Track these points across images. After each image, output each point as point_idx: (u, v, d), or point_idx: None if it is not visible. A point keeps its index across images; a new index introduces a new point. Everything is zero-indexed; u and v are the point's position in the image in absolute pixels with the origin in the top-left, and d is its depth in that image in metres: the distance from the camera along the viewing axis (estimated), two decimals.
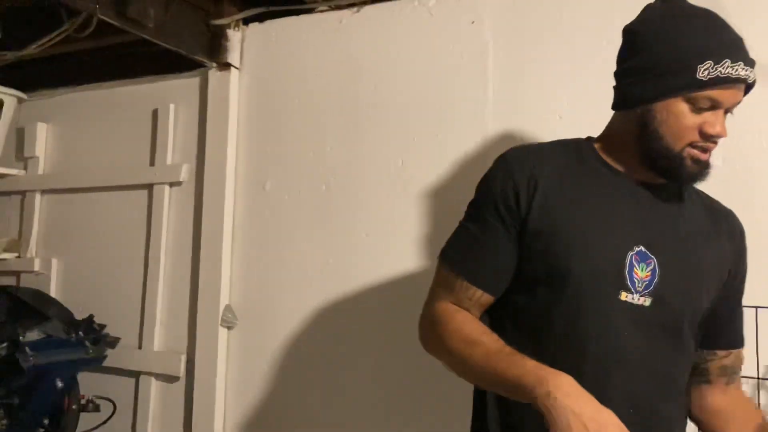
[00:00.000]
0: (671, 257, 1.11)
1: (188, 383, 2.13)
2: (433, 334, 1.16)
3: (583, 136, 1.24)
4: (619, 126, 1.17)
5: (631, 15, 1.18)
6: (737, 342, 1.25)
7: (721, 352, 1.24)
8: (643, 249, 1.10)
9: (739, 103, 1.08)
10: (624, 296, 1.08)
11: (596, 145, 1.20)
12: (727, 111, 1.08)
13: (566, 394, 0.93)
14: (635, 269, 1.08)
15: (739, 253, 1.23)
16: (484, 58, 1.83)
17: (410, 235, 1.84)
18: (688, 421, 1.24)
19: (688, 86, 1.04)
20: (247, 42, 2.18)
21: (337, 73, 2.02)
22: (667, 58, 1.06)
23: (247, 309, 2.08)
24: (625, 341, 1.08)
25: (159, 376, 2.20)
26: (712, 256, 1.17)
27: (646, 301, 1.09)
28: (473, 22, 1.85)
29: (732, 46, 1.05)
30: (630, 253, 1.09)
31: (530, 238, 1.12)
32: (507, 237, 1.13)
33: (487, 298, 1.16)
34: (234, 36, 2.16)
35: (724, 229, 1.21)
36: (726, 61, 1.02)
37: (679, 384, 1.16)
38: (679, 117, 1.06)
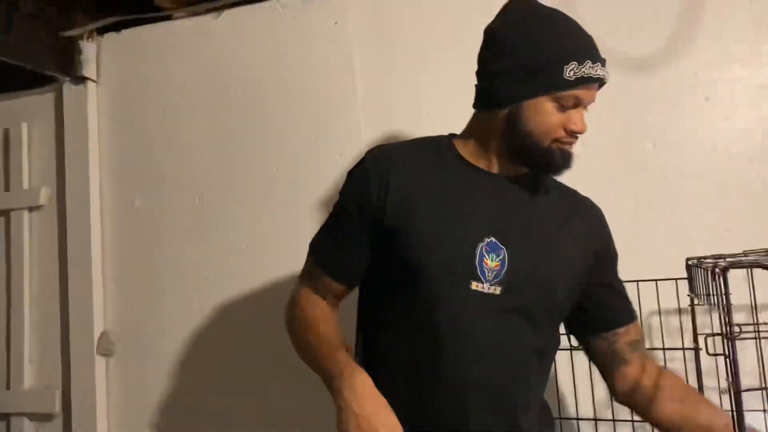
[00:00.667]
0: (523, 246, 1.16)
1: (66, 420, 1.99)
2: (289, 318, 1.26)
3: (453, 131, 1.26)
4: (482, 124, 1.21)
5: (489, 13, 1.21)
6: (630, 316, 1.30)
7: (620, 330, 1.28)
8: (493, 240, 1.14)
9: (594, 100, 1.17)
10: (475, 286, 1.12)
11: (456, 141, 1.24)
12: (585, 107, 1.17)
13: (353, 392, 1.03)
14: (485, 259, 1.13)
15: (600, 236, 1.29)
16: (350, 59, 1.83)
17: (290, 242, 1.81)
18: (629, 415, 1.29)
19: (555, 86, 1.10)
20: (103, 53, 2.07)
21: (203, 81, 1.96)
22: (536, 59, 1.11)
23: (125, 334, 1.97)
24: (478, 330, 1.12)
25: (32, 416, 2.04)
26: (570, 243, 1.22)
27: (497, 290, 1.13)
28: (336, 23, 1.85)
29: (591, 48, 1.14)
30: (481, 244, 1.13)
31: (386, 235, 1.16)
32: (360, 233, 1.19)
33: (340, 288, 1.24)
34: (88, 47, 2.04)
35: (583, 216, 1.27)
36: (587, 62, 1.11)
37: (537, 369, 1.21)
38: (546, 115, 1.12)
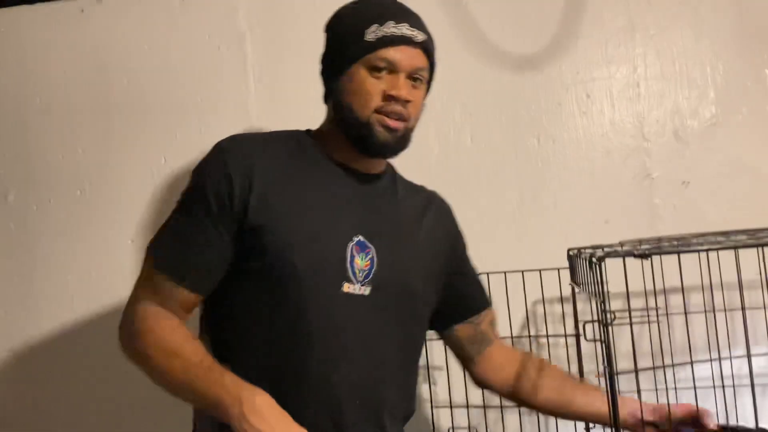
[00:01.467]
0: (387, 244, 1.14)
1: None
2: (133, 341, 1.05)
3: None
4: (328, 117, 1.20)
5: None
6: (487, 301, 1.38)
7: (482, 313, 1.34)
8: (362, 238, 1.10)
9: (420, 68, 1.13)
10: (346, 287, 1.08)
11: (314, 138, 1.20)
12: (412, 78, 1.12)
13: (259, 414, 0.93)
14: (356, 259, 1.09)
15: (451, 228, 1.33)
16: (242, 48, 1.79)
17: None
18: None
19: (359, 51, 1.09)
20: None
21: (84, 68, 1.85)
22: (343, 34, 1.13)
23: (0, 338, 1.84)
24: (349, 333, 1.08)
25: None
26: (427, 238, 1.23)
27: (366, 290, 1.09)
28: (227, 12, 1.80)
29: (395, 11, 1.12)
30: (350, 244, 1.09)
31: (249, 234, 1.05)
32: (217, 232, 1.05)
33: (193, 298, 1.08)
34: None
35: (434, 210, 1.29)
36: (389, 23, 1.09)
37: (408, 367, 1.21)
38: (360, 83, 1.10)
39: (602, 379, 1.37)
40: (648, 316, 1.35)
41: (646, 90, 1.66)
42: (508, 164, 1.68)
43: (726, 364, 1.32)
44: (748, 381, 1.46)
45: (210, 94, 1.79)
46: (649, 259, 1.07)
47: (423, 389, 1.63)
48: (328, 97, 1.19)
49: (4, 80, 1.90)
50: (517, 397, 1.33)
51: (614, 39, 1.68)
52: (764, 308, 1.45)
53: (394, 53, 1.09)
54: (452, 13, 1.71)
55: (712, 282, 1.36)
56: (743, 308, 1.02)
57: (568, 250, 1.35)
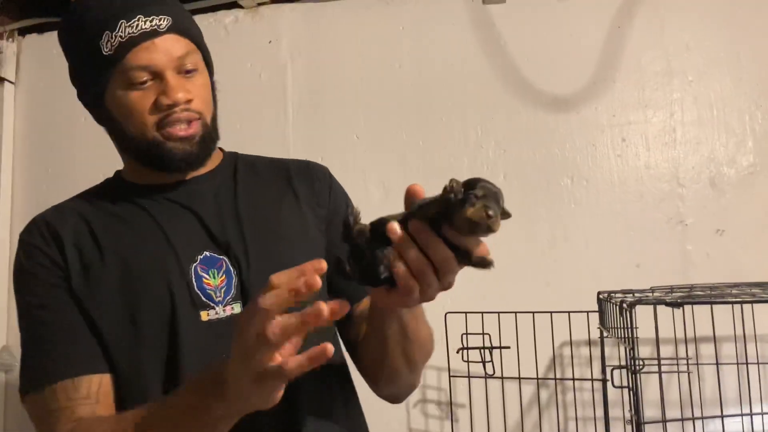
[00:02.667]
0: (249, 243, 0.95)
1: None
2: None
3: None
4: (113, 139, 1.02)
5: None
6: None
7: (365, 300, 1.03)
8: (207, 253, 0.94)
9: (184, 56, 0.95)
10: (206, 316, 0.90)
11: (122, 171, 1.05)
12: (185, 71, 0.95)
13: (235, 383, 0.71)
14: (204, 280, 0.92)
15: (326, 194, 1.07)
16: (282, 77, 1.83)
17: None
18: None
19: (103, 69, 0.92)
20: (23, 54, 1.99)
21: None
22: (78, 53, 0.96)
23: None
24: None
25: None
26: (298, 215, 1.02)
27: (236, 307, 0.92)
28: (270, 42, 1.84)
29: (123, 7, 0.92)
30: (192, 266, 0.92)
31: (85, 309, 0.91)
32: (71, 309, 0.91)
33: (106, 380, 0.90)
34: (8, 48, 1.96)
35: (302, 179, 1.06)
36: (121, 23, 0.91)
37: (328, 380, 0.98)
38: (125, 105, 0.92)
39: (629, 427, 1.35)
40: (677, 364, 1.33)
41: (683, 136, 1.65)
42: (540, 203, 1.68)
43: (758, 419, 1.29)
44: None
45: (250, 121, 1.82)
46: (681, 308, 1.06)
47: (445, 426, 1.62)
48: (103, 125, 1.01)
49: (49, 95, 1.96)
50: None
51: (651, 83, 1.68)
52: None
53: (143, 56, 0.91)
54: (490, 50, 1.73)
55: (746, 333, 1.34)
56: None
57: (598, 294, 1.34)
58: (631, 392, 1.21)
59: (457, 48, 1.76)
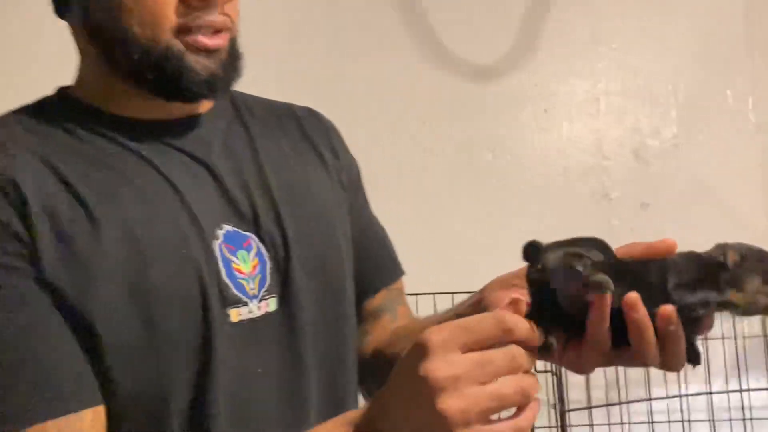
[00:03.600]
0: (279, 217, 0.70)
1: None
2: None
3: None
4: (87, 55, 0.69)
5: None
6: (397, 269, 0.87)
7: (383, 291, 0.85)
8: (230, 228, 0.66)
9: None
10: (236, 315, 0.64)
11: (76, 95, 0.70)
12: None
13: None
14: (234, 265, 0.65)
15: (344, 156, 0.83)
16: None
17: None
18: None
19: None
20: None
21: None
22: None
23: None
24: (263, 383, 0.65)
25: None
26: (327, 181, 0.78)
27: (271, 303, 0.66)
28: None
29: None
30: (216, 244, 0.64)
31: (70, 308, 0.59)
32: (42, 311, 0.59)
33: (98, 415, 0.60)
34: None
35: (320, 134, 0.82)
36: None
37: (351, 388, 0.76)
38: None
39: (553, 412, 1.29)
40: None
41: (607, 106, 1.60)
42: (463, 178, 1.60)
43: (685, 401, 1.25)
44: (703, 415, 1.40)
45: None
46: None
47: None
48: (71, 15, 0.68)
49: None
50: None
51: (575, 52, 1.61)
52: (722, 338, 1.39)
53: None
54: (409, 18, 1.63)
55: None
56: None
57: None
58: (555, 377, 1.15)
59: (376, 16, 1.65)
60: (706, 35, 1.60)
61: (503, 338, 0.48)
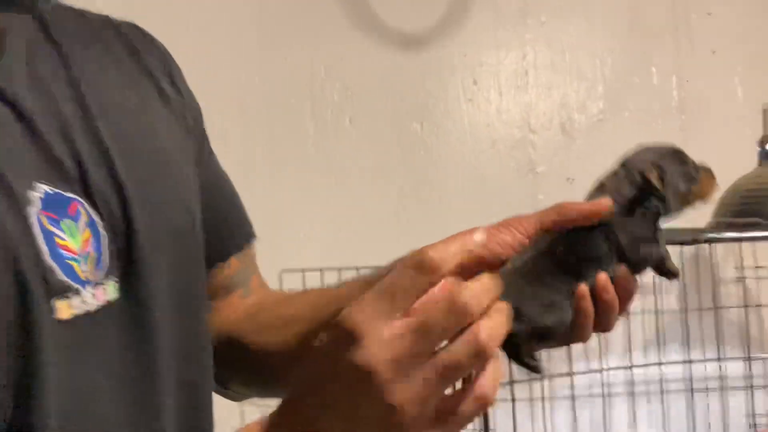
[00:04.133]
0: (114, 172, 0.50)
1: None
2: None
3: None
4: None
5: None
6: (249, 231, 0.72)
7: (233, 259, 0.70)
8: (49, 189, 0.46)
9: None
10: (67, 310, 0.45)
11: None
12: None
13: None
14: (58, 239, 0.46)
15: (180, 88, 0.64)
16: None
17: None
18: None
19: None
20: None
21: None
22: None
23: None
24: (105, 400, 0.48)
25: None
26: (163, 117, 0.59)
27: (110, 290, 0.48)
28: None
29: None
30: (31, 212, 0.44)
31: None
32: None
33: None
34: None
35: (156, 59, 0.62)
36: None
37: (209, 387, 0.60)
38: None
39: None
40: None
41: (535, 79, 1.58)
42: (390, 151, 1.55)
43: (606, 374, 1.25)
44: (623, 389, 1.42)
45: None
46: None
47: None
48: None
49: None
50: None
51: (505, 22, 1.58)
52: (642, 312, 1.40)
53: None
54: None
55: None
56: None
57: None
58: None
59: None
60: (633, 11, 1.59)
61: (432, 281, 0.40)
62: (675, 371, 1.35)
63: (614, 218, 0.50)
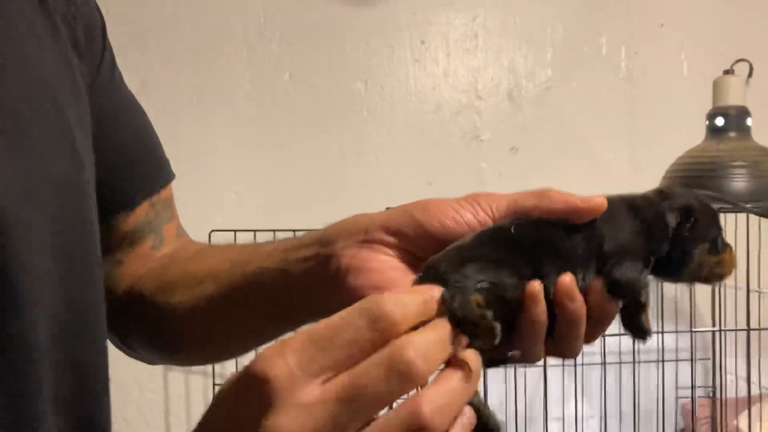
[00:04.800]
0: None
1: None
2: None
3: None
4: None
5: None
6: (164, 172, 0.62)
7: (145, 205, 0.60)
8: None
9: None
10: None
11: None
12: None
13: None
14: None
15: (99, 31, 0.55)
16: None
17: None
18: None
19: None
20: None
21: None
22: None
23: None
24: None
25: None
26: (37, 32, 0.46)
27: None
28: None
29: None
30: None
31: None
32: None
33: None
34: None
35: None
36: None
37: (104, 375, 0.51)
38: None
39: None
40: None
41: (485, 43, 1.52)
42: (330, 110, 1.48)
43: None
44: (559, 360, 1.41)
45: None
46: None
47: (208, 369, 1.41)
48: None
49: None
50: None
51: None
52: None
53: None
54: None
55: None
56: None
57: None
58: None
59: None
60: None
61: (384, 341, 0.31)
62: (613, 342, 1.35)
63: (605, 224, 0.42)
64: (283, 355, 0.31)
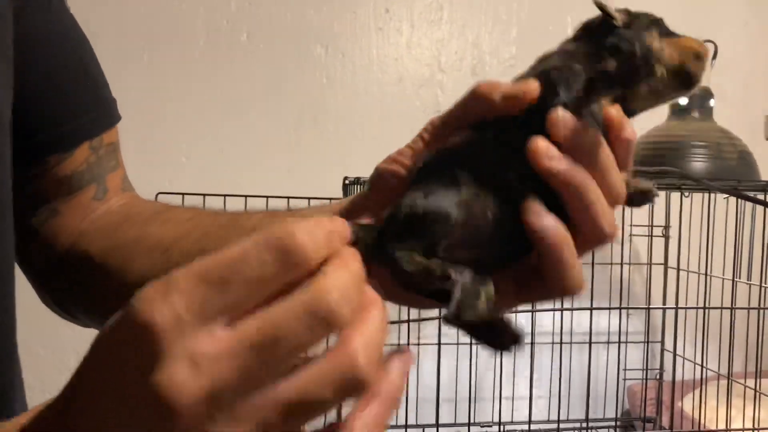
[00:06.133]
0: None
1: None
2: None
3: None
4: None
5: None
6: (108, 112, 0.57)
7: (84, 147, 0.54)
8: None
9: None
10: None
11: None
12: None
13: None
14: None
15: None
16: None
17: None
18: None
19: None
20: None
21: None
22: None
23: None
24: None
25: None
26: None
27: None
28: None
29: None
30: None
31: None
32: None
33: None
34: None
35: None
36: None
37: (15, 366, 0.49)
38: None
39: (404, 327, 1.21)
40: None
41: (450, 15, 1.49)
42: (288, 74, 1.42)
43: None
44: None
45: None
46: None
47: None
48: None
49: None
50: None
51: None
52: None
53: None
54: None
55: None
56: None
57: (344, 179, 1.16)
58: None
59: None
60: None
61: (295, 276, 0.27)
62: (549, 323, 1.34)
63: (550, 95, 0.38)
64: (167, 296, 0.25)
